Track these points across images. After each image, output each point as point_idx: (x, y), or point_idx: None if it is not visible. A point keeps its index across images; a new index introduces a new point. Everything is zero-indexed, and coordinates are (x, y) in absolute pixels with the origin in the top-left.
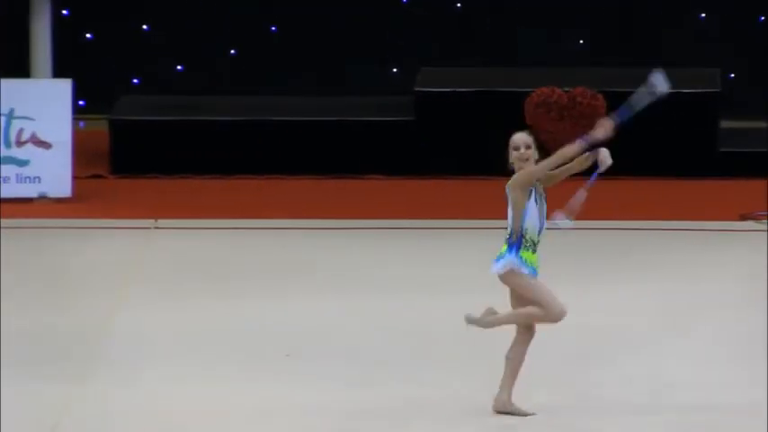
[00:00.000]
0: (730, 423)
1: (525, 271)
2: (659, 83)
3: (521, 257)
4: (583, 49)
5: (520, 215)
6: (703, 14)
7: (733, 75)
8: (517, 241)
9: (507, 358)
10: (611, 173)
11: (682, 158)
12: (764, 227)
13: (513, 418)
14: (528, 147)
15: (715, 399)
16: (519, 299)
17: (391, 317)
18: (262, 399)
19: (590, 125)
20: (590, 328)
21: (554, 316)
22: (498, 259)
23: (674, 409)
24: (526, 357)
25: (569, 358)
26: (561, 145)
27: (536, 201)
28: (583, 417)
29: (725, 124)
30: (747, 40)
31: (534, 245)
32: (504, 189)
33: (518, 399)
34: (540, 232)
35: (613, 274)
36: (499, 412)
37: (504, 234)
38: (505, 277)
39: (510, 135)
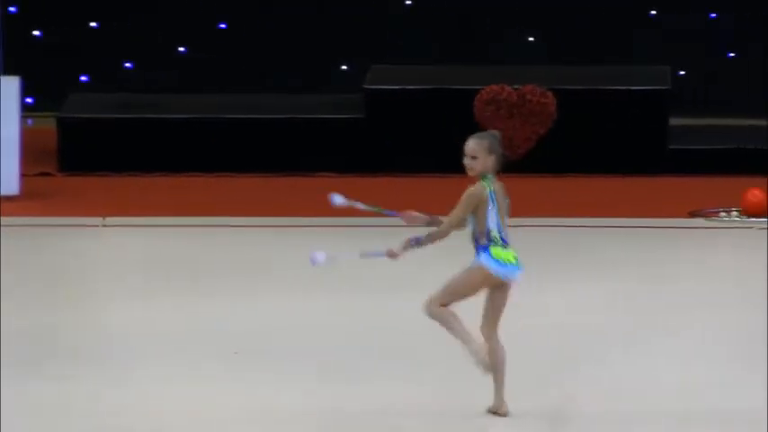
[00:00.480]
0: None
1: (491, 269)
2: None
3: (492, 255)
4: (534, 46)
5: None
6: (653, 12)
7: (683, 72)
8: (483, 245)
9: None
10: (561, 171)
11: (632, 156)
12: (715, 224)
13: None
14: (474, 157)
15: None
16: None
17: (353, 315)
18: (226, 398)
19: (540, 123)
20: (547, 328)
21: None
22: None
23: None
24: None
25: (537, 362)
26: (511, 143)
27: (492, 200)
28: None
29: (675, 121)
30: (698, 38)
31: (499, 243)
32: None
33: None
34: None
35: (565, 273)
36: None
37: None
38: (471, 270)
39: (461, 133)
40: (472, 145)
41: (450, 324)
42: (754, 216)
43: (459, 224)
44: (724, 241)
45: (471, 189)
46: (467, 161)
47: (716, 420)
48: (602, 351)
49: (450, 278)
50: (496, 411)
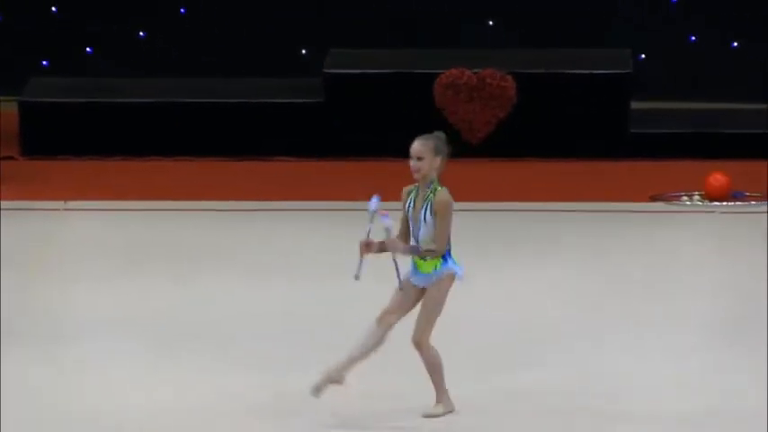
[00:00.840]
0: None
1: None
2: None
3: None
4: (493, 30)
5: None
6: None
7: (644, 56)
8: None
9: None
10: (521, 155)
11: (593, 140)
12: (675, 208)
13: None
14: (420, 158)
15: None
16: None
17: (304, 302)
18: (173, 382)
19: (499, 106)
20: (504, 313)
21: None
22: (435, 273)
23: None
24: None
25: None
26: (471, 127)
27: (410, 206)
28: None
29: (636, 105)
30: (659, 22)
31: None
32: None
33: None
34: (416, 236)
35: (523, 258)
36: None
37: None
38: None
39: (421, 118)
40: (417, 146)
41: (439, 367)
42: (716, 200)
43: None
44: (686, 225)
45: (447, 199)
46: (413, 163)
47: (672, 411)
48: (559, 337)
49: (426, 306)
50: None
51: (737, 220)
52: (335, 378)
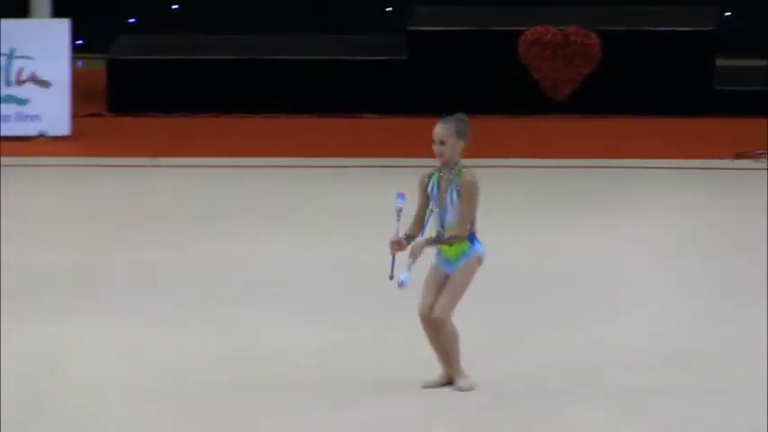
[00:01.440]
0: None
1: (434, 258)
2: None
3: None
4: None
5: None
6: None
7: (728, 13)
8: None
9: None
10: (604, 112)
11: (677, 96)
12: (762, 165)
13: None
14: (443, 142)
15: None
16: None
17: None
18: (254, 335)
19: (583, 64)
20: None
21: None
22: (462, 257)
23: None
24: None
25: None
26: (555, 83)
27: (432, 191)
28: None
29: (720, 62)
30: None
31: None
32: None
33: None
34: (441, 220)
35: (611, 213)
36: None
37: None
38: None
39: (506, 75)
40: (440, 130)
41: (457, 345)
42: None
43: (419, 211)
44: None
45: (473, 180)
46: (436, 147)
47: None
48: (648, 282)
49: (452, 285)
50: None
51: None
52: (447, 380)
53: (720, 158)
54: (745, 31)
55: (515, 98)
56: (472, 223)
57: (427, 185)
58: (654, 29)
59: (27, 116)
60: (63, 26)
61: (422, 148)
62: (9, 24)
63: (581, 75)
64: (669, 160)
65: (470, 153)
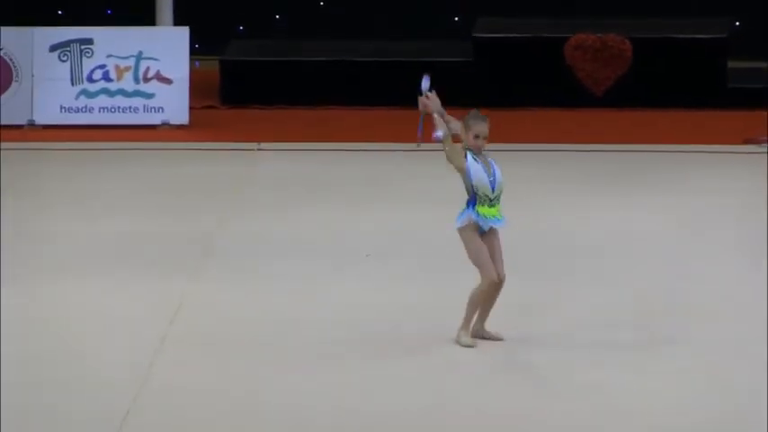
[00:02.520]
0: None
1: (482, 225)
2: (425, 84)
3: (477, 212)
4: (614, 1)
5: (465, 177)
6: None
7: (738, 23)
8: (472, 199)
9: (479, 299)
10: (636, 105)
11: (696, 93)
12: (764, 149)
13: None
14: (485, 137)
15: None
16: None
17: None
18: (346, 294)
19: (619, 65)
20: (621, 231)
21: (485, 281)
22: (460, 216)
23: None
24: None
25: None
26: (595, 81)
27: (475, 160)
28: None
29: (732, 64)
30: None
31: (489, 200)
32: None
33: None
34: (493, 188)
35: (641, 188)
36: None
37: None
38: (460, 231)
39: (554, 74)
40: (486, 128)
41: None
42: None
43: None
44: None
45: None
46: (480, 141)
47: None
48: (664, 251)
49: (499, 243)
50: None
51: None
52: (480, 334)
53: (731, 144)
54: (753, 37)
55: (561, 94)
56: (468, 190)
57: (465, 158)
58: (677, 36)
59: (153, 108)
60: (183, 32)
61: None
62: (138, 31)
63: (616, 74)
64: (690, 145)
65: (525, 138)
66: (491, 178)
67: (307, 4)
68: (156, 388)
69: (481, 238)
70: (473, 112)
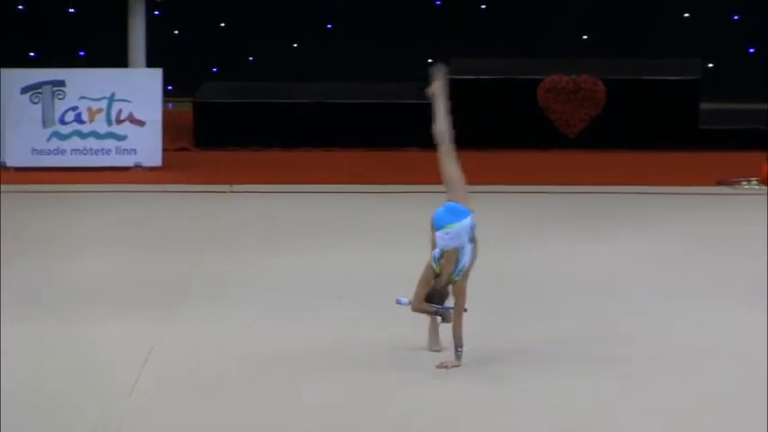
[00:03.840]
0: None
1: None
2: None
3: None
4: (587, 42)
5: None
6: (687, 14)
7: (711, 64)
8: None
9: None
10: (609, 147)
11: (668, 134)
12: (736, 191)
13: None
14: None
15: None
16: None
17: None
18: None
19: (592, 106)
20: (592, 274)
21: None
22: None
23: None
24: None
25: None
26: (568, 123)
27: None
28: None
29: (704, 106)
30: (723, 36)
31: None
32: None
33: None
34: (457, 274)
35: (609, 230)
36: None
37: None
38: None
39: (527, 115)
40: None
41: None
42: None
43: None
44: (745, 204)
45: None
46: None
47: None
48: (640, 296)
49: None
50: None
51: None
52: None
53: (704, 185)
54: (724, 79)
55: (535, 135)
56: None
57: None
58: (649, 78)
59: (125, 150)
60: (156, 74)
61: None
62: (111, 73)
63: (589, 116)
64: (663, 186)
65: (497, 180)
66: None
67: (281, 47)
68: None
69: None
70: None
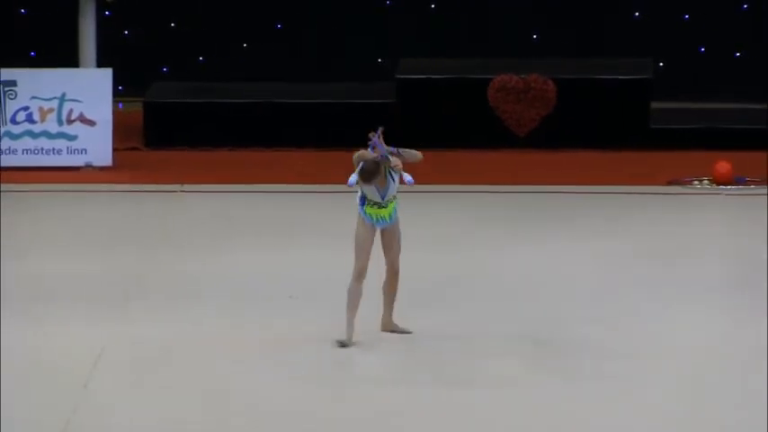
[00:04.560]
0: None
1: (366, 222)
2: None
3: (365, 212)
4: (537, 42)
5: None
6: (637, 13)
7: (662, 63)
8: (361, 201)
9: (383, 289)
10: (560, 146)
11: (619, 134)
12: (688, 190)
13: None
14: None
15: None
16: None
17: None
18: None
19: (542, 106)
20: (548, 274)
21: (354, 271)
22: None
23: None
24: None
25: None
26: (518, 123)
27: None
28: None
29: (655, 105)
30: (674, 35)
31: (377, 204)
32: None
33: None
34: (382, 197)
35: (560, 233)
36: (385, 331)
37: None
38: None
39: (478, 115)
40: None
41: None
42: (722, 184)
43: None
44: (696, 205)
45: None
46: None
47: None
48: (583, 292)
49: (395, 241)
50: (389, 329)
51: (740, 201)
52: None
53: (656, 185)
54: (675, 78)
55: (485, 135)
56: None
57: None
58: (600, 77)
59: (76, 150)
60: (106, 74)
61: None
62: (62, 73)
63: (540, 115)
64: (613, 186)
65: (448, 180)
66: (382, 191)
67: (231, 46)
68: None
69: (382, 231)
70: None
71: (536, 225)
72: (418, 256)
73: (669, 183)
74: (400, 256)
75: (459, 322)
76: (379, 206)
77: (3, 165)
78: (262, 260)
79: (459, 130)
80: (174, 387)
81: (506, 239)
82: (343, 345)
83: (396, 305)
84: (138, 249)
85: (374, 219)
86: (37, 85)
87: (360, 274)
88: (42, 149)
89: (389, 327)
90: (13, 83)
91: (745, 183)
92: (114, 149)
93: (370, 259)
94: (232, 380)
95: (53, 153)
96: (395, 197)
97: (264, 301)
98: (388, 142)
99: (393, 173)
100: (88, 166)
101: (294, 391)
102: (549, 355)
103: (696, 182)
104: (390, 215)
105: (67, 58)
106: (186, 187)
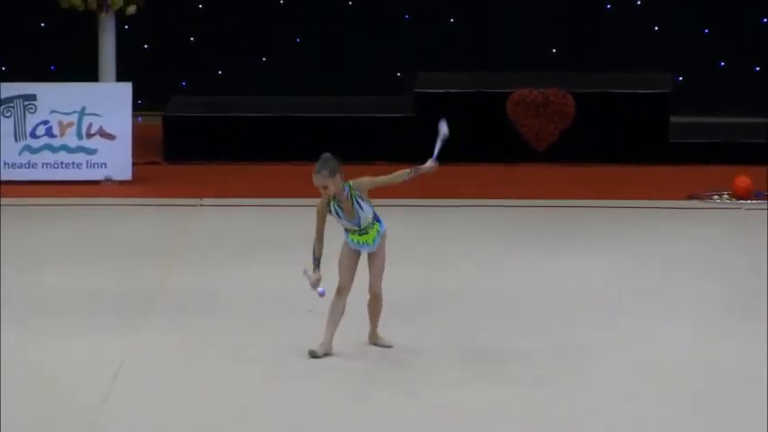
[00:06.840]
0: None
1: (350, 246)
2: (443, 129)
3: (350, 239)
4: (556, 56)
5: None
6: (656, 28)
7: (681, 78)
8: (345, 232)
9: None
10: (579, 160)
11: (639, 148)
12: (707, 205)
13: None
14: (325, 187)
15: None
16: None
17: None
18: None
19: (561, 120)
20: (565, 288)
21: (336, 291)
22: (378, 238)
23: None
24: None
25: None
26: (537, 137)
27: (338, 207)
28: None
29: (675, 119)
30: (694, 49)
31: (356, 232)
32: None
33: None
34: (358, 225)
35: (580, 245)
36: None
37: None
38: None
39: (496, 129)
40: (318, 181)
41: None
42: (741, 199)
43: (319, 235)
44: (716, 219)
45: (361, 182)
46: (322, 191)
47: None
48: (606, 308)
49: (379, 263)
50: (375, 343)
51: (760, 216)
52: (327, 350)
53: (675, 199)
54: (695, 93)
55: (504, 149)
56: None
57: (329, 212)
58: (619, 91)
59: (95, 164)
60: (126, 88)
61: (429, 189)
62: (81, 87)
63: (559, 129)
64: (633, 200)
65: (467, 194)
66: (354, 220)
67: (250, 60)
68: None
69: (368, 254)
70: (318, 162)
71: (554, 239)
72: (430, 271)
73: (688, 197)
74: (383, 278)
75: (459, 334)
76: (360, 233)
77: (23, 178)
78: (280, 274)
79: (478, 144)
80: (194, 400)
81: (525, 253)
82: (314, 355)
83: (403, 317)
84: (157, 263)
85: (358, 244)
86: (57, 98)
87: (340, 290)
88: (62, 163)
89: (374, 340)
90: (33, 97)
91: (764, 197)
92: (134, 163)
93: (355, 278)
94: (255, 393)
95: (73, 167)
96: (374, 223)
97: (283, 316)
98: (407, 154)
99: (361, 201)
100: (108, 180)
101: (321, 403)
102: (557, 369)
103: (716, 196)
104: (374, 239)
105: (87, 71)
106: (205, 201)
